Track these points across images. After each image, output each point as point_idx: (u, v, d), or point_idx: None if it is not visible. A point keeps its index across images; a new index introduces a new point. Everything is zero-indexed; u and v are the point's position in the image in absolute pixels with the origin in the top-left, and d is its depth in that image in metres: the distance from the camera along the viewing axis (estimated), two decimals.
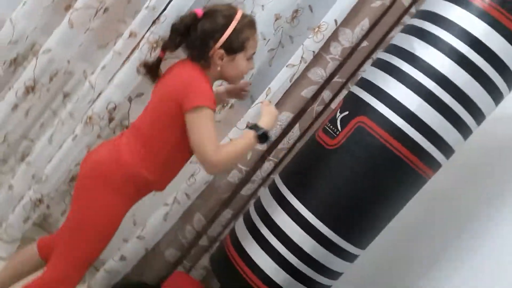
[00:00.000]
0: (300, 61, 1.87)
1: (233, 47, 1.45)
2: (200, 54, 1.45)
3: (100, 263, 2.11)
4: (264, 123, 1.50)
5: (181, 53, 1.52)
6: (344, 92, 1.97)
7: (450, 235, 1.87)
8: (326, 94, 1.96)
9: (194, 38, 1.44)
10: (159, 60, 1.52)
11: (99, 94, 1.92)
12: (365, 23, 1.88)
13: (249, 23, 1.47)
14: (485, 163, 1.93)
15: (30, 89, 1.84)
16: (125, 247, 2.04)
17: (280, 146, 1.98)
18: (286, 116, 1.94)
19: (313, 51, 1.87)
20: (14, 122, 1.94)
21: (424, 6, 1.59)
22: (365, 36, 1.91)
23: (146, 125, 1.49)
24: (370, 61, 1.95)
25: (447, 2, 1.51)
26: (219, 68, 1.47)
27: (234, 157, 1.47)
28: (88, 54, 1.97)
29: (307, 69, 1.91)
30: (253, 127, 1.49)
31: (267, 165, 2.01)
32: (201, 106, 1.40)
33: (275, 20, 1.86)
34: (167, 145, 1.48)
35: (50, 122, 2.03)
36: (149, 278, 2.11)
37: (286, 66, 1.87)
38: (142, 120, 1.52)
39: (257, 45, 1.52)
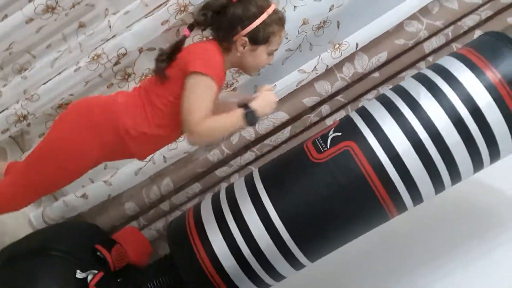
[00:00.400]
0: (313, 70, 1.92)
1: (258, 38, 1.47)
2: (224, 36, 1.47)
3: (60, 194, 2.14)
4: (256, 105, 1.45)
5: None
6: (342, 112, 2.04)
7: (387, 276, 1.97)
8: (325, 109, 2.02)
9: (223, 19, 1.46)
10: (183, 40, 1.48)
11: (114, 36, 1.94)
12: (383, 56, 1.94)
13: (279, 19, 1.50)
14: (440, 218, 2.03)
15: (50, 9, 1.84)
16: (90, 187, 2.08)
17: (267, 141, 2.04)
18: (282, 116, 2.00)
19: (327, 65, 1.92)
20: (23, 34, 1.93)
21: (441, 61, 1.66)
22: (378, 68, 1.98)
23: (152, 90, 1.49)
24: (374, 92, 2.02)
25: (462, 65, 1.57)
26: (238, 55, 1.48)
27: (217, 131, 1.45)
28: None
29: (316, 79, 1.97)
30: (243, 106, 1.47)
31: (249, 155, 2.06)
32: (203, 73, 1.39)
33: (302, 24, 1.89)
34: (164, 113, 1.48)
35: (58, 46, 2.02)
36: (101, 222, 2.15)
37: (298, 71, 1.92)
38: (150, 84, 1.51)
39: (281, 43, 1.54)
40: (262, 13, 1.46)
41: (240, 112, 1.43)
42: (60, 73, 1.97)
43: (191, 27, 1.51)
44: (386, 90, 1.73)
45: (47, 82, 1.97)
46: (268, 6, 1.48)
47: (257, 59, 1.51)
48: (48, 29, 1.98)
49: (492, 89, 1.52)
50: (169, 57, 1.47)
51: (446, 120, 1.53)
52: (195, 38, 1.86)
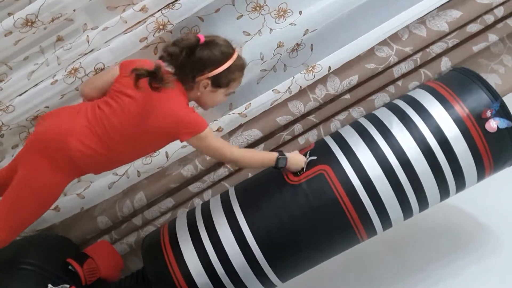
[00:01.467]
0: (286, 90, 1.97)
1: (220, 82, 1.57)
2: (188, 77, 1.54)
3: None
4: (291, 158, 1.69)
5: None
6: (314, 131, 2.09)
7: None
8: (297, 127, 2.08)
9: (189, 60, 1.52)
10: (159, 69, 1.51)
11: (92, 50, 1.96)
12: (354, 79, 2.01)
13: (240, 67, 1.60)
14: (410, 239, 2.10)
15: (29, 22, 1.86)
16: (63, 200, 2.07)
17: None
18: (256, 133, 2.04)
19: (300, 86, 1.98)
20: (1, 46, 1.93)
21: (413, 93, 1.74)
22: (349, 90, 2.05)
23: (118, 130, 1.54)
24: (345, 113, 2.08)
25: (433, 98, 1.66)
26: (199, 94, 1.58)
27: (248, 158, 1.67)
28: (94, 10, 1.98)
29: (289, 99, 2.02)
30: (281, 153, 1.69)
31: (222, 171, 2.09)
32: (202, 131, 1.53)
33: (277, 47, 1.95)
34: (129, 153, 1.61)
35: (35, 58, 2.03)
36: (73, 236, 2.15)
37: (272, 90, 1.97)
38: (114, 122, 1.54)
39: (238, 86, 1.66)
40: (227, 59, 1.55)
41: (275, 155, 1.68)
42: (36, 85, 1.98)
43: (162, 58, 1.55)
44: (360, 118, 1.80)
45: (22, 93, 1.98)
46: (232, 53, 1.57)
47: (215, 99, 1.63)
48: (26, 41, 1.98)
49: (459, 122, 1.61)
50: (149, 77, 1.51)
51: (416, 149, 1.62)
52: None
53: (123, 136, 1.54)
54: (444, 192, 1.67)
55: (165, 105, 1.52)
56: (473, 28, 2.03)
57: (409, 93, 1.77)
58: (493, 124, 1.59)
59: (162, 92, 1.51)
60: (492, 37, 2.07)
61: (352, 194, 1.62)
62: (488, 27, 2.06)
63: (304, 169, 1.70)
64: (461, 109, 1.62)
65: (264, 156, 1.72)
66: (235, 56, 1.57)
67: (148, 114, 1.52)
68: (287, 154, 1.70)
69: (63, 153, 1.53)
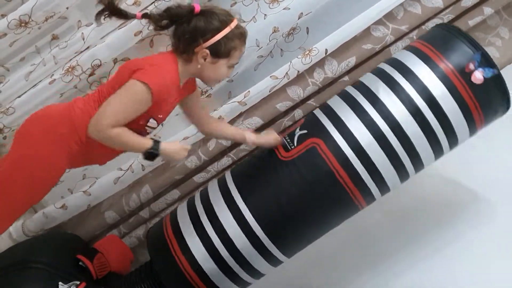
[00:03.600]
0: (284, 76, 1.97)
1: (219, 52, 1.49)
2: (185, 47, 1.48)
3: (40, 206, 2.16)
4: (166, 148, 1.49)
5: None
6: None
7: (361, 268, 2.07)
8: (298, 113, 2.08)
9: (185, 30, 1.47)
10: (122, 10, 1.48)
11: (88, 47, 1.96)
12: (351, 60, 2.01)
13: (240, 35, 1.52)
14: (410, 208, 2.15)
15: (23, 23, 1.86)
16: (69, 198, 2.09)
17: (242, 146, 2.08)
18: (256, 121, 2.05)
19: (298, 71, 1.98)
20: None
21: (397, 55, 1.74)
22: (348, 72, 2.05)
23: (106, 89, 1.50)
24: None
25: (417, 58, 1.65)
26: (199, 66, 1.50)
27: (119, 143, 1.44)
28: (87, 6, 1.97)
29: (287, 85, 2.02)
30: (154, 143, 1.47)
31: (225, 160, 2.10)
32: (139, 81, 1.40)
33: (272, 32, 1.95)
34: None
35: (32, 58, 2.04)
36: (82, 232, 2.17)
37: (270, 77, 1.97)
38: (105, 87, 1.51)
39: (241, 57, 1.57)
40: (225, 27, 1.48)
41: (147, 146, 1.46)
42: (34, 86, 1.99)
43: (145, 16, 1.49)
44: (347, 87, 1.79)
45: (22, 95, 1.99)
46: (231, 20, 1.50)
47: (217, 72, 1.54)
48: (21, 42, 1.99)
49: (445, 79, 1.60)
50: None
51: (404, 112, 1.61)
52: None
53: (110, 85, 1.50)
54: (437, 150, 1.67)
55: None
56: (467, 2, 2.01)
57: (394, 56, 1.76)
58: (478, 76, 1.58)
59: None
60: (488, 10, 2.05)
61: (345, 163, 1.62)
62: (483, 0, 2.05)
63: (296, 144, 1.69)
64: (446, 66, 1.61)
65: (133, 143, 1.46)
66: (233, 23, 1.49)
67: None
68: (163, 145, 1.49)
69: (67, 118, 1.47)
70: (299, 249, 1.79)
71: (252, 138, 1.76)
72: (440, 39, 1.70)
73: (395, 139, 1.61)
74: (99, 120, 1.40)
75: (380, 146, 1.61)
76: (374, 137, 1.62)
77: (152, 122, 1.53)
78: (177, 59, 1.51)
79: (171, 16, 1.48)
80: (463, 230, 2.02)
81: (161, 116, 1.55)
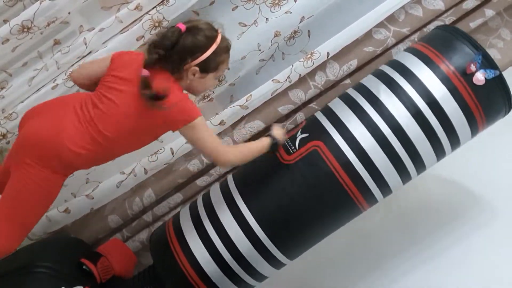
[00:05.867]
0: (286, 79, 1.98)
1: (208, 67, 1.54)
2: (176, 67, 1.52)
3: None
4: (276, 135, 1.69)
5: None
6: None
7: (365, 270, 2.07)
8: (300, 116, 2.08)
9: (173, 51, 1.50)
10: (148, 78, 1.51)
11: (90, 52, 1.96)
12: (353, 63, 2.01)
13: (226, 48, 1.57)
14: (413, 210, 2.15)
15: (25, 28, 1.86)
16: (72, 201, 2.10)
17: None
18: (258, 125, 2.05)
19: (300, 74, 1.98)
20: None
21: (398, 57, 1.74)
22: (349, 75, 2.05)
23: (112, 128, 1.52)
24: None
25: (418, 60, 1.66)
26: (188, 82, 1.55)
27: (245, 156, 1.64)
28: (89, 11, 1.99)
29: (289, 88, 2.03)
30: (269, 136, 1.67)
31: None
32: (193, 120, 1.50)
33: (274, 36, 1.95)
34: (124, 148, 1.60)
35: (34, 63, 2.04)
36: (85, 236, 2.18)
37: (272, 80, 1.98)
38: (110, 120, 1.51)
39: (227, 68, 1.64)
40: (212, 43, 1.52)
41: (267, 141, 1.67)
42: (37, 91, 1.99)
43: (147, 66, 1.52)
44: (348, 89, 1.80)
45: (25, 100, 2.00)
46: (216, 35, 1.54)
47: (206, 85, 1.61)
48: (24, 47, 1.99)
49: (446, 81, 1.61)
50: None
51: (406, 114, 1.61)
52: None
53: (119, 132, 1.52)
54: (439, 152, 1.68)
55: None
56: (469, 4, 2.02)
57: (395, 57, 1.76)
58: (480, 77, 1.59)
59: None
60: (489, 12, 2.06)
61: (347, 166, 1.62)
62: (484, 2, 2.05)
63: (297, 146, 1.70)
64: (447, 68, 1.61)
65: (256, 148, 1.67)
66: (219, 38, 1.53)
67: (146, 105, 1.50)
68: (272, 133, 1.69)
69: (58, 156, 1.51)
70: (301, 252, 1.80)
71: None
72: (441, 41, 1.70)
73: (397, 141, 1.62)
74: (217, 161, 1.59)
75: (382, 148, 1.62)
76: (375, 139, 1.62)
77: None
78: (174, 80, 1.54)
79: (166, 48, 1.50)
80: (466, 232, 2.03)
81: None
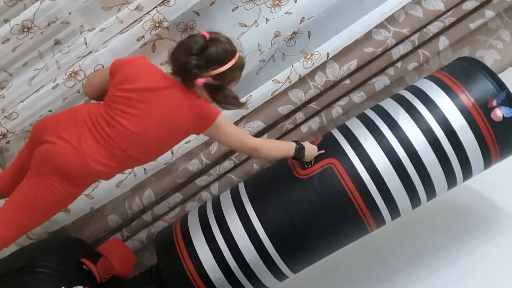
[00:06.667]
0: (286, 79, 1.98)
1: (223, 81, 1.53)
2: (191, 75, 1.50)
3: None
4: (307, 146, 1.70)
5: None
6: (316, 119, 2.11)
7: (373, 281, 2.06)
8: (299, 116, 2.09)
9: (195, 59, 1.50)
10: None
11: (90, 52, 1.97)
12: (353, 63, 2.01)
13: (241, 66, 1.58)
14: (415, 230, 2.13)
15: (26, 28, 1.86)
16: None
17: None
18: (258, 124, 2.05)
19: (300, 75, 1.99)
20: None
21: (418, 84, 1.75)
22: (349, 75, 2.05)
23: (136, 149, 1.52)
24: (346, 98, 2.09)
25: (439, 89, 1.67)
26: (198, 91, 1.54)
27: (272, 148, 1.67)
28: (90, 11, 1.99)
29: (289, 88, 2.03)
30: (297, 143, 1.69)
31: (227, 164, 2.11)
32: (216, 118, 1.53)
33: (274, 36, 1.95)
34: (145, 159, 1.63)
35: (34, 63, 2.04)
36: (85, 236, 2.18)
37: (272, 81, 1.98)
38: (131, 138, 1.50)
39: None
40: (231, 58, 1.52)
41: (293, 145, 1.68)
42: (37, 91, 1.99)
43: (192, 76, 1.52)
44: (367, 110, 1.81)
45: (25, 99, 2.00)
46: (235, 52, 1.55)
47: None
48: (24, 47, 1.99)
49: (465, 112, 1.62)
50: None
51: (423, 140, 1.63)
52: None
53: (141, 145, 1.52)
54: (451, 181, 1.69)
55: (181, 101, 1.52)
56: (469, 5, 2.02)
57: (415, 84, 1.78)
58: (498, 113, 1.60)
59: (172, 91, 1.52)
60: (489, 13, 2.06)
61: (360, 186, 1.63)
62: (484, 3, 2.05)
63: (313, 162, 1.71)
64: (467, 99, 1.63)
65: (282, 146, 1.71)
66: (237, 55, 1.55)
67: (166, 115, 1.51)
68: (304, 144, 1.71)
69: (84, 174, 1.52)
70: (306, 266, 1.81)
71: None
72: (463, 71, 1.73)
73: (411, 165, 1.63)
74: (252, 154, 1.63)
75: (396, 172, 1.63)
76: (390, 162, 1.63)
77: None
78: (185, 87, 1.53)
79: (202, 56, 1.50)
80: (476, 243, 2.00)
81: None
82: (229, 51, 1.53)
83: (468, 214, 2.11)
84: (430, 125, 1.63)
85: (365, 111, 1.80)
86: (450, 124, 1.62)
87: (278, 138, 2.12)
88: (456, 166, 1.65)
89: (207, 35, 1.52)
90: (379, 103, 1.79)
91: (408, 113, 1.67)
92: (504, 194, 2.08)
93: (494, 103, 1.61)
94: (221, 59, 1.51)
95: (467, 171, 1.68)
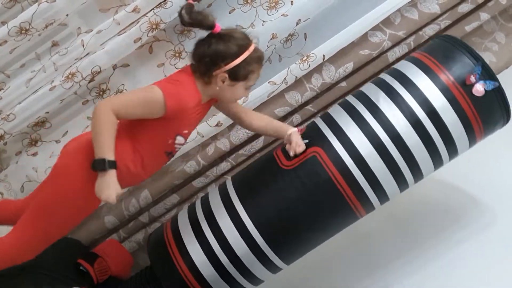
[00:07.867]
0: (282, 81, 1.99)
1: (238, 75, 1.52)
2: (205, 70, 1.51)
3: None
4: (109, 174, 1.40)
5: None
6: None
7: (363, 273, 2.07)
8: (296, 118, 2.10)
9: (205, 52, 1.50)
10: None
11: (87, 54, 1.97)
12: (349, 66, 2.02)
13: (258, 58, 1.55)
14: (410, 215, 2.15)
15: (23, 30, 1.87)
16: None
17: (241, 151, 2.10)
18: None
19: (296, 76, 2.00)
20: None
21: (398, 66, 1.75)
22: (345, 78, 2.06)
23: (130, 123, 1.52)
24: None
25: (418, 69, 1.67)
26: (217, 88, 1.53)
27: (95, 129, 1.41)
28: (87, 13, 2.00)
29: (286, 90, 2.04)
30: (108, 161, 1.40)
31: (224, 165, 2.12)
32: (158, 87, 1.45)
33: (271, 39, 1.96)
34: (146, 141, 1.54)
35: (32, 65, 2.05)
36: (82, 237, 2.18)
37: (268, 83, 1.99)
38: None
39: (258, 78, 1.60)
40: (244, 51, 1.51)
41: (105, 155, 1.40)
42: (35, 92, 2.00)
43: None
44: (348, 96, 1.80)
45: (22, 101, 2.00)
46: (249, 44, 1.53)
47: (235, 94, 1.58)
48: (22, 49, 2.00)
49: (446, 91, 1.61)
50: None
51: (405, 122, 1.62)
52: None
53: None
54: (437, 161, 1.69)
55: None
56: (464, 8, 2.03)
57: (395, 66, 1.78)
58: (479, 88, 1.59)
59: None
60: (484, 15, 2.07)
61: (345, 173, 1.63)
62: (479, 6, 2.07)
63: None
64: (447, 78, 1.62)
65: (104, 142, 1.43)
66: (252, 47, 1.52)
67: None
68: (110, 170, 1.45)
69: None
70: (298, 257, 1.80)
71: (294, 137, 1.70)
72: (441, 50, 1.71)
73: (395, 149, 1.62)
74: (109, 99, 1.46)
75: (380, 156, 1.62)
76: (374, 147, 1.62)
77: (179, 139, 1.57)
78: (196, 80, 1.53)
79: (193, 19, 1.49)
80: (464, 235, 2.01)
81: (186, 131, 1.58)
82: (242, 44, 1.50)
83: (450, 210, 2.13)
84: (411, 107, 1.62)
85: (346, 97, 1.78)
86: (432, 104, 1.61)
87: (275, 141, 2.13)
88: (441, 145, 1.64)
89: (218, 28, 1.51)
90: (360, 88, 1.79)
91: (389, 97, 1.66)
92: (486, 189, 2.10)
93: (473, 78, 1.60)
94: (233, 53, 1.49)
95: (452, 150, 1.67)
